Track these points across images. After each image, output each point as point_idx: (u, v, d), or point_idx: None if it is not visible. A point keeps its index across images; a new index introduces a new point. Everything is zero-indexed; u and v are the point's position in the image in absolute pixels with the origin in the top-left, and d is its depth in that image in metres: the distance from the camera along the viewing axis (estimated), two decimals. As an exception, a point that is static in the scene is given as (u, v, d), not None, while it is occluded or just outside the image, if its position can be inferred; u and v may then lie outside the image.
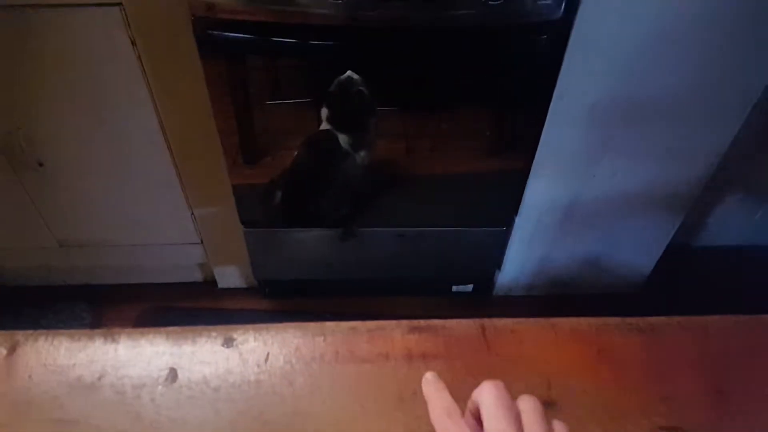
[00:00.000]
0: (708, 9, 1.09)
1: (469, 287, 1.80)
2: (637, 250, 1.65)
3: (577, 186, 1.44)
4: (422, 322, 0.64)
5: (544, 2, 1.08)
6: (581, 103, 1.25)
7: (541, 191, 1.46)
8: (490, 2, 1.07)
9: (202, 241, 1.74)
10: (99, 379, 0.60)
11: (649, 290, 1.77)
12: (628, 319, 0.64)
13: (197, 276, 1.91)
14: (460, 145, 1.45)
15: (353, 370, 0.60)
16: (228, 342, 0.63)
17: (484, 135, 1.42)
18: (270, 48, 1.20)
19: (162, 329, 0.64)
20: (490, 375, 0.60)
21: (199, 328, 0.64)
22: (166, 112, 1.42)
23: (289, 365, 0.61)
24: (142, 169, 1.55)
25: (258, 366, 0.61)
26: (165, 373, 0.60)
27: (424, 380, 0.54)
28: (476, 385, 0.58)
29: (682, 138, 1.33)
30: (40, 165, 1.53)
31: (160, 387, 0.59)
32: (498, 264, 1.69)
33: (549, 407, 0.57)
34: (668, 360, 0.60)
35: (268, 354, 0.62)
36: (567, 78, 1.21)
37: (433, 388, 0.53)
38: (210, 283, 1.90)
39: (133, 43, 1.28)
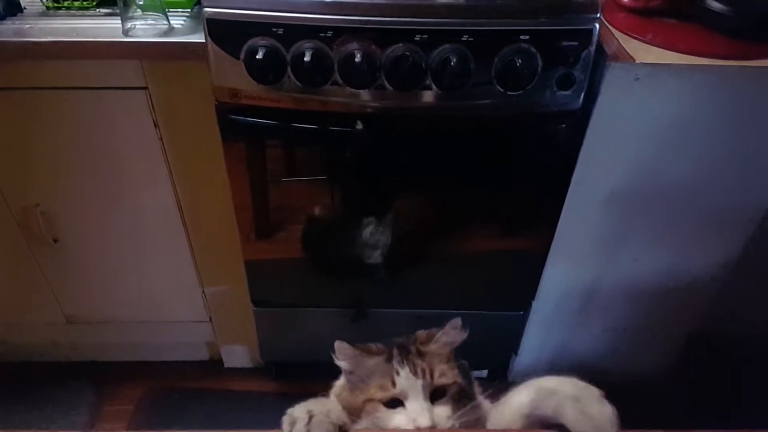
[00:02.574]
0: (729, 100, 1.11)
1: (484, 372, 1.74)
2: (660, 338, 1.60)
3: (596, 272, 1.42)
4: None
5: (563, 93, 1.10)
6: (599, 191, 1.25)
7: (560, 276, 1.43)
8: (509, 93, 1.09)
9: (211, 319, 1.71)
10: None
11: (673, 378, 1.70)
12: None
13: (204, 354, 1.86)
14: (478, 229, 1.44)
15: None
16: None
17: (502, 219, 1.41)
18: (290, 133, 1.22)
19: None
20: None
21: None
22: (184, 191, 1.43)
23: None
24: (157, 247, 1.55)
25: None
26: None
27: None
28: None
29: (703, 227, 1.31)
30: (55, 241, 1.53)
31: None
32: (515, 349, 1.64)
33: None
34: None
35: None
36: (585, 166, 1.21)
37: None
38: (216, 362, 1.85)
39: (156, 126, 1.31)
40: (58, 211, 1.48)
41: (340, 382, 0.80)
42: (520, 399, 0.66)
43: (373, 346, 0.77)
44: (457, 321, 0.75)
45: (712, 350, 1.79)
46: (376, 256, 1.49)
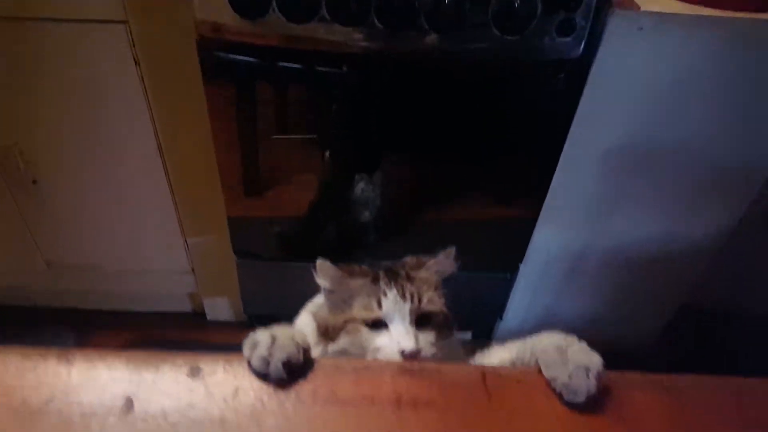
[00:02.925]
0: (734, 55, 1.05)
1: (468, 334, 1.71)
2: (649, 308, 1.57)
3: (587, 235, 1.38)
4: (416, 364, 0.57)
5: (563, 40, 1.05)
6: (595, 148, 1.20)
7: (549, 239, 1.40)
8: (506, 36, 1.04)
9: (193, 270, 1.68)
10: (46, 403, 0.53)
11: (659, 352, 1.67)
12: (651, 376, 0.56)
13: (186, 306, 1.84)
14: (468, 187, 1.40)
15: (332, 413, 0.53)
16: (194, 372, 0.55)
17: (493, 178, 1.36)
18: (275, 73, 1.16)
19: (123, 353, 0.57)
20: (492, 429, 0.53)
21: (164, 353, 0.57)
22: (165, 135, 1.38)
23: (260, 403, 0.53)
24: (138, 193, 1.51)
25: (225, 401, 0.53)
26: (120, 402, 0.53)
27: None
28: (473, 439, 0.51)
29: (701, 191, 1.27)
30: (34, 182, 1.49)
31: (112, 418, 0.52)
32: (500, 313, 1.61)
33: (556, 472, 0.49)
34: (697, 424, 0.52)
35: (237, 388, 0.54)
36: (582, 121, 1.16)
37: None
38: (199, 315, 1.83)
39: (137, 63, 1.26)
40: (37, 151, 1.44)
41: (317, 301, 0.78)
42: (501, 355, 0.65)
43: (357, 267, 0.75)
44: (452, 250, 0.73)
45: (702, 326, 1.76)
46: (365, 215, 1.45)
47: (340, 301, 0.73)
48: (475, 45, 1.06)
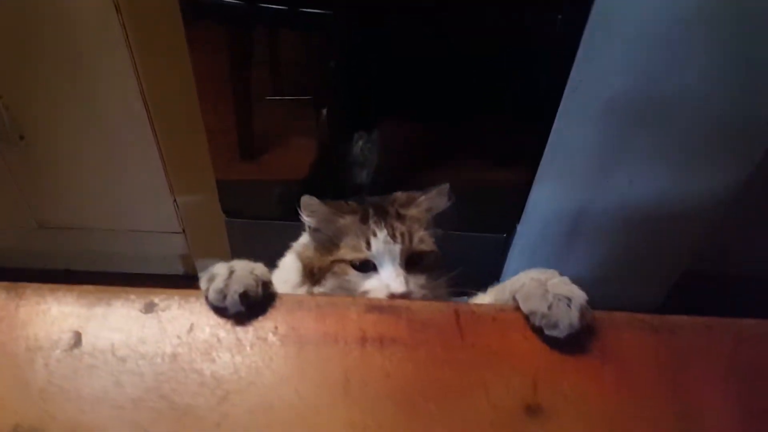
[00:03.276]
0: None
1: (464, 298, 1.68)
2: (651, 272, 1.52)
3: (587, 193, 1.32)
4: (384, 302, 0.53)
5: (561, -23, 0.99)
6: (597, 97, 1.14)
7: (547, 197, 1.34)
8: (500, -26, 0.97)
9: (184, 231, 1.65)
10: (-11, 337, 0.50)
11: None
12: (640, 315, 0.52)
13: (178, 268, 1.81)
14: (463, 145, 1.35)
15: (291, 351, 0.49)
16: (148, 307, 0.52)
17: (489, 134, 1.31)
18: (256, 16, 1.11)
19: (75, 287, 0.54)
20: (462, 369, 0.49)
21: (118, 288, 0.54)
22: (150, 88, 1.34)
23: (215, 339, 0.50)
24: (125, 149, 1.47)
25: (178, 337, 0.50)
26: (68, 336, 0.50)
27: None
28: (442, 380, 0.47)
29: (707, 146, 1.20)
30: (21, 138, 1.46)
31: (57, 352, 0.48)
32: (496, 275, 1.56)
33: (534, 415, 0.45)
34: (688, 367, 0.48)
35: (192, 324, 0.51)
36: (583, 66, 1.09)
37: None
38: (191, 277, 1.80)
39: (118, 10, 1.21)
40: (22, 105, 1.40)
41: (302, 240, 0.74)
42: (481, 300, 0.64)
43: (345, 203, 0.72)
44: (445, 186, 0.70)
45: (707, 291, 1.71)
46: (363, 176, 1.41)
47: (326, 240, 0.69)
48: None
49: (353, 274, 0.66)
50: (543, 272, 0.54)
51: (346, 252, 0.66)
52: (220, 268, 0.53)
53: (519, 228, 1.42)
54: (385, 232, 0.65)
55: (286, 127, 1.37)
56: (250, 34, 1.21)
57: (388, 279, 0.63)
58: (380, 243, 0.65)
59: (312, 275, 0.69)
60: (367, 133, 1.36)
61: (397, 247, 0.64)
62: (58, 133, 1.45)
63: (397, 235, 0.65)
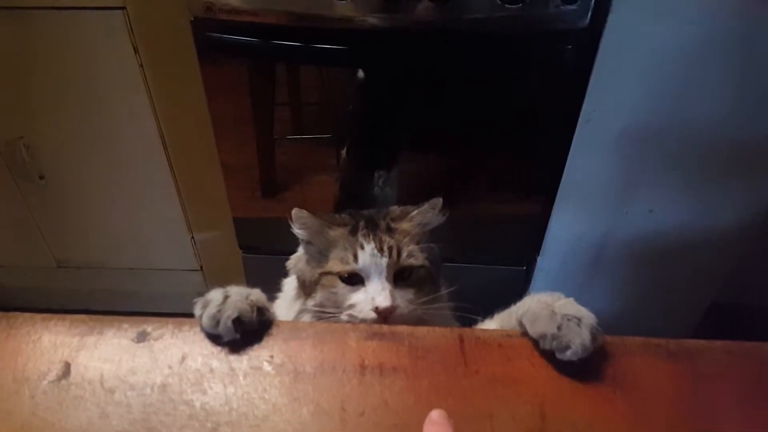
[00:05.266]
0: (761, 16, 0.96)
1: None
2: (677, 305, 1.46)
3: (607, 224, 1.29)
4: (385, 328, 0.51)
5: (568, 8, 0.98)
6: (610, 128, 1.12)
7: (567, 228, 1.31)
8: (507, 5, 0.98)
9: (201, 268, 1.65)
10: (-22, 368, 0.49)
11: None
12: (655, 340, 0.49)
13: (196, 307, 1.80)
14: (478, 175, 1.34)
15: (287, 380, 0.47)
16: (140, 336, 0.51)
17: (504, 163, 1.29)
18: (270, 52, 1.12)
19: (68, 316, 0.53)
20: (465, 398, 0.46)
21: (111, 317, 0.52)
22: (167, 125, 1.36)
23: (208, 369, 0.48)
24: (143, 187, 1.49)
25: (170, 367, 0.48)
26: (57, 367, 0.48)
27: (427, 420, 0.42)
28: (445, 409, 0.44)
29: (727, 172, 1.17)
30: (41, 178, 1.49)
31: (44, 383, 0.47)
32: (517, 309, 1.52)
33: (542, 447, 0.42)
34: (707, 394, 0.45)
35: (184, 354, 0.49)
36: (595, 98, 1.08)
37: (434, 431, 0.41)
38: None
39: (136, 51, 1.24)
40: (42, 145, 1.43)
41: (297, 254, 0.73)
42: (487, 326, 0.62)
43: (338, 216, 0.71)
44: (438, 201, 0.68)
45: (738, 325, 1.64)
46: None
47: (317, 252, 0.68)
48: (475, 15, 1.00)
49: (341, 287, 0.65)
50: (549, 295, 0.51)
51: (334, 264, 0.65)
52: (215, 294, 0.52)
53: (539, 260, 1.39)
54: (372, 245, 0.64)
55: (307, 165, 1.38)
56: (268, 73, 1.23)
57: (374, 292, 0.62)
58: (367, 256, 0.63)
59: (305, 288, 0.68)
60: (386, 169, 1.36)
61: (384, 261, 0.63)
62: (78, 173, 1.48)
63: (385, 248, 0.64)
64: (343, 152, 1.36)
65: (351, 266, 0.64)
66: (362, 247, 0.64)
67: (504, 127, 1.22)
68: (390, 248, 0.64)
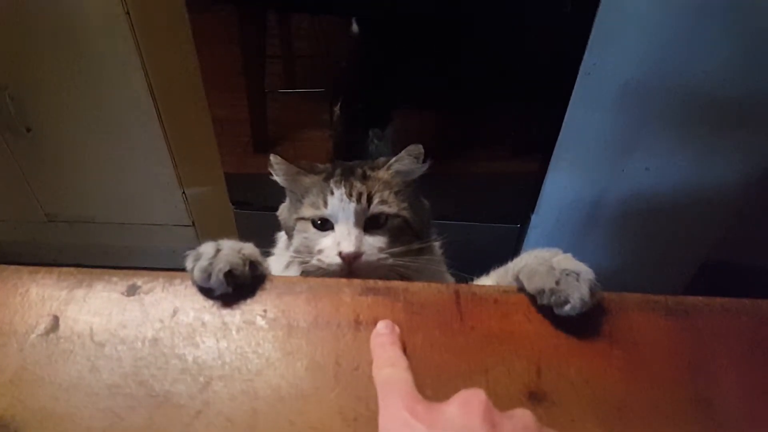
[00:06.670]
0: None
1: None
2: (671, 262, 1.46)
3: (602, 181, 1.28)
4: (380, 283, 0.50)
5: (571, -47, 0.94)
6: (611, 81, 1.10)
7: (562, 186, 1.30)
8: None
9: (193, 223, 1.63)
10: (-34, 322, 0.48)
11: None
12: (653, 297, 0.48)
13: (188, 262, 1.80)
14: (475, 136, 1.31)
15: (281, 335, 0.46)
16: (131, 290, 0.49)
17: (501, 119, 1.27)
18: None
19: (56, 269, 0.52)
20: (461, 354, 0.46)
21: (100, 270, 0.51)
22: (157, 80, 1.33)
23: (200, 323, 0.47)
24: (133, 141, 1.46)
25: (161, 321, 0.47)
26: (45, 320, 0.47)
27: (374, 333, 0.42)
28: (440, 365, 0.44)
29: (726, 132, 1.15)
30: (28, 130, 1.45)
31: (33, 336, 0.46)
32: (511, 267, 1.52)
33: (537, 401, 0.42)
34: (705, 350, 0.44)
35: (176, 308, 0.48)
36: (596, 49, 1.05)
37: (380, 342, 0.41)
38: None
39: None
40: (29, 96, 1.40)
41: (284, 203, 0.73)
42: (482, 283, 0.61)
43: (319, 165, 0.70)
44: (416, 147, 0.66)
45: (729, 283, 1.65)
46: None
47: (295, 200, 0.68)
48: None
49: (312, 232, 0.65)
50: (546, 251, 0.50)
51: (306, 209, 0.65)
52: (207, 247, 0.51)
53: (533, 218, 1.38)
54: (342, 190, 0.63)
55: (299, 120, 1.35)
56: (259, 22, 1.19)
57: (340, 237, 0.62)
58: (336, 201, 0.63)
59: (288, 235, 0.69)
60: (381, 126, 1.33)
61: (351, 206, 0.62)
62: (66, 126, 1.45)
63: (354, 193, 0.63)
64: (337, 108, 1.33)
65: (321, 211, 0.64)
66: (332, 193, 0.63)
67: (502, 81, 1.19)
68: (360, 194, 0.63)
